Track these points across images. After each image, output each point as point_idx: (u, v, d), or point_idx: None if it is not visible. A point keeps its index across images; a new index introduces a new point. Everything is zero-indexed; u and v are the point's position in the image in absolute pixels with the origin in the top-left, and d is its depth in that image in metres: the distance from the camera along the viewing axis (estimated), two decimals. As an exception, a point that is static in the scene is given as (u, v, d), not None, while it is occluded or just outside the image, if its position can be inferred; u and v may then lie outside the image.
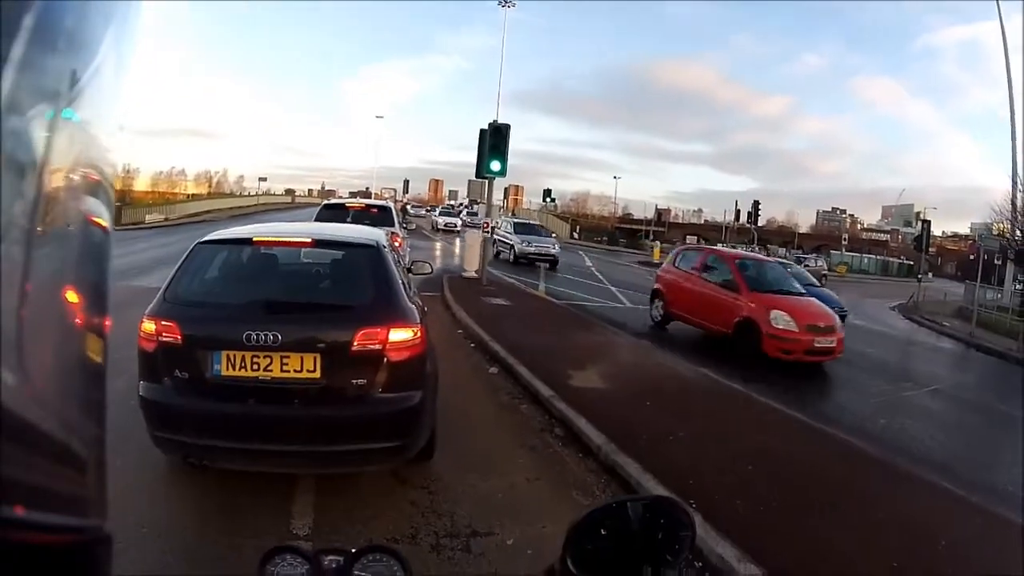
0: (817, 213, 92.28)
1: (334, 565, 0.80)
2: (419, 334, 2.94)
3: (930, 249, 33.78)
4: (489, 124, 11.43)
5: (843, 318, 9.36)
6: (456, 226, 30.92)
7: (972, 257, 29.22)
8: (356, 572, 0.80)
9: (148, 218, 29.20)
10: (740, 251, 12.75)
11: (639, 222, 63.02)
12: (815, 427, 5.12)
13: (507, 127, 11.43)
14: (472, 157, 11.78)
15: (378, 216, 9.13)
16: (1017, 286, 27.87)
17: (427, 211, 52.22)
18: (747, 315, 7.75)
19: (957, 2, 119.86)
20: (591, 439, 4.08)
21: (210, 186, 76.25)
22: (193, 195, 58.92)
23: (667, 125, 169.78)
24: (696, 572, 2.69)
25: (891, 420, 6.36)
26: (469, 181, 16.47)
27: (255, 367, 2.71)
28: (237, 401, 2.73)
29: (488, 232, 12.42)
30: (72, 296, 0.41)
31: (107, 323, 0.44)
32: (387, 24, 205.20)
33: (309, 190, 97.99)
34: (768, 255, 41.95)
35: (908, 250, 54.00)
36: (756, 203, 30.53)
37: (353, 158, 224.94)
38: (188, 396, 2.76)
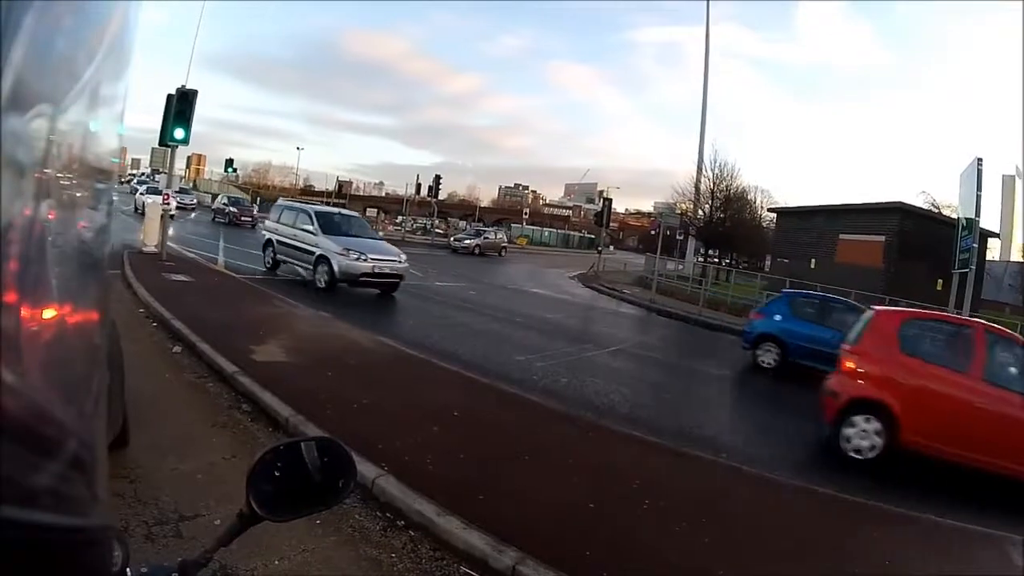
0: (499, 188, 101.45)
1: None
2: None
3: (612, 224, 36.36)
4: (177, 89, 10.74)
5: None
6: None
7: (653, 232, 30.61)
8: None
9: None
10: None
11: (320, 194, 60.85)
12: (500, 388, 5.54)
13: (194, 93, 10.92)
14: (158, 122, 10.82)
15: None
16: (699, 259, 32.66)
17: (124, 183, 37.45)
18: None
19: (673, 2, 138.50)
20: (278, 412, 4.15)
21: None
22: None
23: (354, 96, 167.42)
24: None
25: (572, 379, 6.78)
26: (152, 149, 14.57)
27: None
28: None
29: (166, 206, 11.21)
30: (72, 297, 0.41)
31: (107, 323, 0.44)
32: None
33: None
34: (448, 227, 44.23)
35: (590, 225, 59.10)
36: (437, 177, 31.48)
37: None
38: None
